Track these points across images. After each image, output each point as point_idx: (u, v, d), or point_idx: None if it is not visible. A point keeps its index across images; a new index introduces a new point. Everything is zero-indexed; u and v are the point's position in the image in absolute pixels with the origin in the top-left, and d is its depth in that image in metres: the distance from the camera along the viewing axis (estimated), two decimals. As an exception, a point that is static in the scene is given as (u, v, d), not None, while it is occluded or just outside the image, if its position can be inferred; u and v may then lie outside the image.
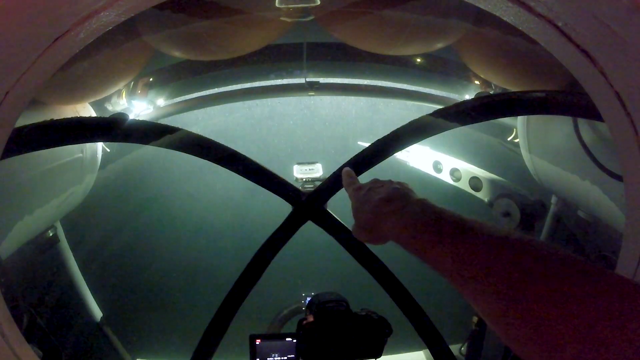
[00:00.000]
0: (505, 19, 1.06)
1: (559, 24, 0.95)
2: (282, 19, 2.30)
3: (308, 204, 1.59)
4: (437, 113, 1.48)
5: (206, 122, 5.12)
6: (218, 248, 4.85)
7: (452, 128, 1.49)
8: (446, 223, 0.62)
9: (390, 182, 0.88)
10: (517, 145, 3.02)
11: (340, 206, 1.69)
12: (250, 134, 5.53)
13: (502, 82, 2.62)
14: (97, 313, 3.30)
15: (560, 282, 0.44)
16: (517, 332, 0.45)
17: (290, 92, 3.30)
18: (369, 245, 1.61)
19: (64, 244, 3.02)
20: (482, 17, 2.16)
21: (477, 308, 0.52)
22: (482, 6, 1.08)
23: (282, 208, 1.66)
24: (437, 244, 0.60)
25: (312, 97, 3.31)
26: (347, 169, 1.04)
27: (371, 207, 0.80)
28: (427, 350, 2.02)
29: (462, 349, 3.00)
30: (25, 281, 2.55)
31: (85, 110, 2.62)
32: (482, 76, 2.72)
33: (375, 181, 0.91)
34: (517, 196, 2.48)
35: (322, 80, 3.14)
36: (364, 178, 1.53)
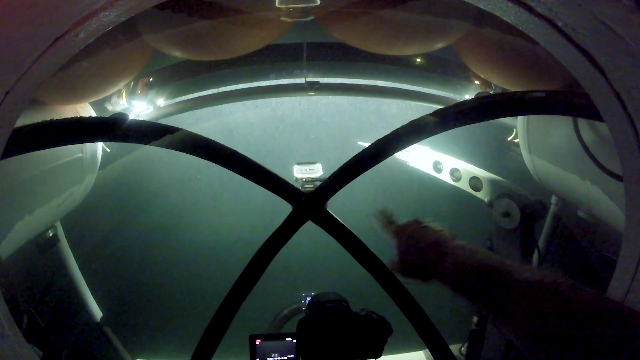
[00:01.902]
0: (505, 19, 1.06)
1: (559, 24, 0.95)
2: (282, 19, 2.30)
3: (308, 204, 1.59)
4: (437, 113, 1.48)
5: (206, 122, 5.11)
6: (218, 248, 4.85)
7: (452, 128, 1.49)
8: (492, 268, 0.72)
9: (431, 224, 0.98)
10: (517, 145, 3.01)
11: (340, 206, 1.69)
12: (250, 134, 5.53)
13: (502, 82, 2.62)
14: (97, 313, 3.30)
15: (584, 325, 0.56)
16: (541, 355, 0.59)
17: (290, 92, 3.30)
18: (368, 245, 1.62)
19: (64, 244, 3.02)
20: (482, 17, 2.16)
21: (509, 334, 0.64)
22: (482, 6, 1.08)
23: (282, 208, 1.66)
24: (486, 287, 0.70)
25: (312, 97, 3.30)
26: (383, 208, 1.11)
27: (420, 249, 0.90)
28: (427, 350, 2.02)
29: (462, 349, 3.00)
30: (25, 281, 2.55)
31: (85, 110, 2.62)
32: (482, 76, 2.72)
33: (417, 220, 1.00)
34: (517, 196, 2.48)
35: (322, 80, 3.14)
36: (364, 178, 1.54)
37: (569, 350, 0.55)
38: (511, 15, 1.03)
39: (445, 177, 2.90)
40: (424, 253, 0.88)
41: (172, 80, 3.01)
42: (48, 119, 1.34)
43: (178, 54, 2.51)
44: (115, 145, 3.08)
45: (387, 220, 1.07)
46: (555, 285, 0.61)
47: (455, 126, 1.49)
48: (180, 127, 1.46)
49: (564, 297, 0.59)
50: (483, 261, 0.75)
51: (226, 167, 1.53)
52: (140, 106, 2.91)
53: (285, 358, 1.45)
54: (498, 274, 0.69)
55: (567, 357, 0.55)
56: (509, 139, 3.19)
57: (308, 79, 3.06)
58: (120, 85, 2.63)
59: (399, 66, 3.03)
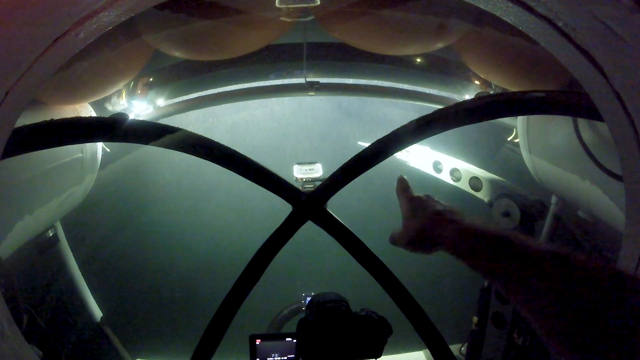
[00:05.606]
0: (505, 19, 1.06)
1: (559, 24, 0.95)
2: (282, 19, 2.30)
3: (308, 204, 1.59)
4: (437, 113, 1.48)
5: (207, 122, 5.12)
6: (218, 248, 4.85)
7: (452, 128, 1.49)
8: (504, 235, 0.70)
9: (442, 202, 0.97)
10: (517, 145, 3.02)
11: (340, 206, 1.69)
12: (250, 134, 5.53)
13: (502, 82, 2.62)
14: (97, 313, 3.31)
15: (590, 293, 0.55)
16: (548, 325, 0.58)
17: (290, 92, 3.30)
18: (368, 245, 1.62)
19: (64, 244, 3.02)
20: (482, 17, 2.16)
21: (521, 306, 0.63)
22: (482, 6, 1.08)
23: (282, 208, 1.66)
24: (498, 253, 0.68)
25: (312, 97, 3.31)
26: (402, 177, 1.09)
27: (430, 213, 0.87)
28: (427, 350, 2.02)
29: (462, 349, 3.00)
30: (25, 281, 2.54)
31: (85, 110, 2.62)
32: (482, 76, 2.72)
33: (429, 196, 0.98)
34: (517, 196, 2.48)
35: (322, 80, 3.14)
36: (364, 178, 1.54)
37: (590, 324, 0.53)
38: (511, 15, 1.03)
39: (445, 177, 2.90)
40: (430, 220, 0.86)
41: (172, 80, 3.02)
42: (48, 119, 1.34)
43: (178, 54, 2.52)
44: (115, 145, 3.08)
45: (404, 187, 1.05)
46: (575, 256, 0.60)
47: (455, 126, 1.49)
48: (180, 127, 1.46)
49: (586, 267, 0.57)
50: (494, 229, 0.73)
51: (226, 167, 1.53)
52: (140, 106, 2.91)
53: (285, 358, 1.45)
54: (511, 241, 0.68)
55: (589, 332, 0.53)
56: (509, 139, 3.19)
57: (308, 79, 3.06)
58: (120, 85, 2.63)
59: (399, 66, 3.03)
